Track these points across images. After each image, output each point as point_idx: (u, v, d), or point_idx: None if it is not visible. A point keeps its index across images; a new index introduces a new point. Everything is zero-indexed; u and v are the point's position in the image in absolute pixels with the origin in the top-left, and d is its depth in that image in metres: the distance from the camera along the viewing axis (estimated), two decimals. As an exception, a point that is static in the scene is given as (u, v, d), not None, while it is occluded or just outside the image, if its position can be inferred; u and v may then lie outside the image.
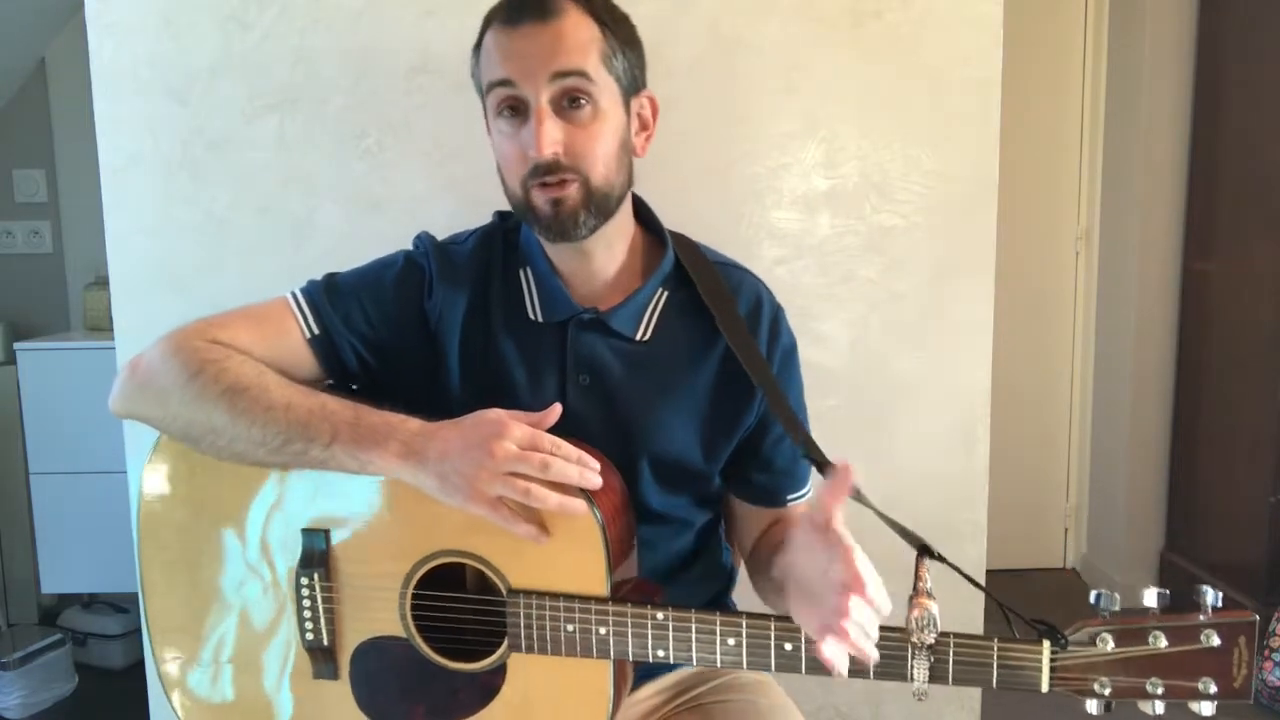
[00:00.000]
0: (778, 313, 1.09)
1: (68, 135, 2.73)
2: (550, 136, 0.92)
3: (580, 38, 0.93)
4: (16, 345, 2.47)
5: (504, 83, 0.93)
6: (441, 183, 1.46)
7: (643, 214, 1.08)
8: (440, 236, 1.11)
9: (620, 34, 0.97)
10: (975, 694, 1.62)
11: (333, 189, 1.46)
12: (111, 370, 1.42)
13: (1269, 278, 2.42)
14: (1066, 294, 3.09)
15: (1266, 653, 2.27)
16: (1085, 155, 3.02)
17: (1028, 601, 2.88)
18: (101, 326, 2.56)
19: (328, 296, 1.02)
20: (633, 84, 1.00)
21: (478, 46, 0.99)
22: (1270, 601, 2.31)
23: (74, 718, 2.29)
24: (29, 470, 2.48)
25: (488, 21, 0.98)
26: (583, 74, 0.93)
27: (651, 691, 1.10)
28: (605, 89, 0.95)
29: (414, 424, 0.89)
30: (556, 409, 0.89)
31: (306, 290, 1.03)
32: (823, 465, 0.98)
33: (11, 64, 2.65)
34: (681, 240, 1.09)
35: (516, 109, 0.94)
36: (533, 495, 0.84)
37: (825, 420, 1.53)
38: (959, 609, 1.48)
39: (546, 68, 0.92)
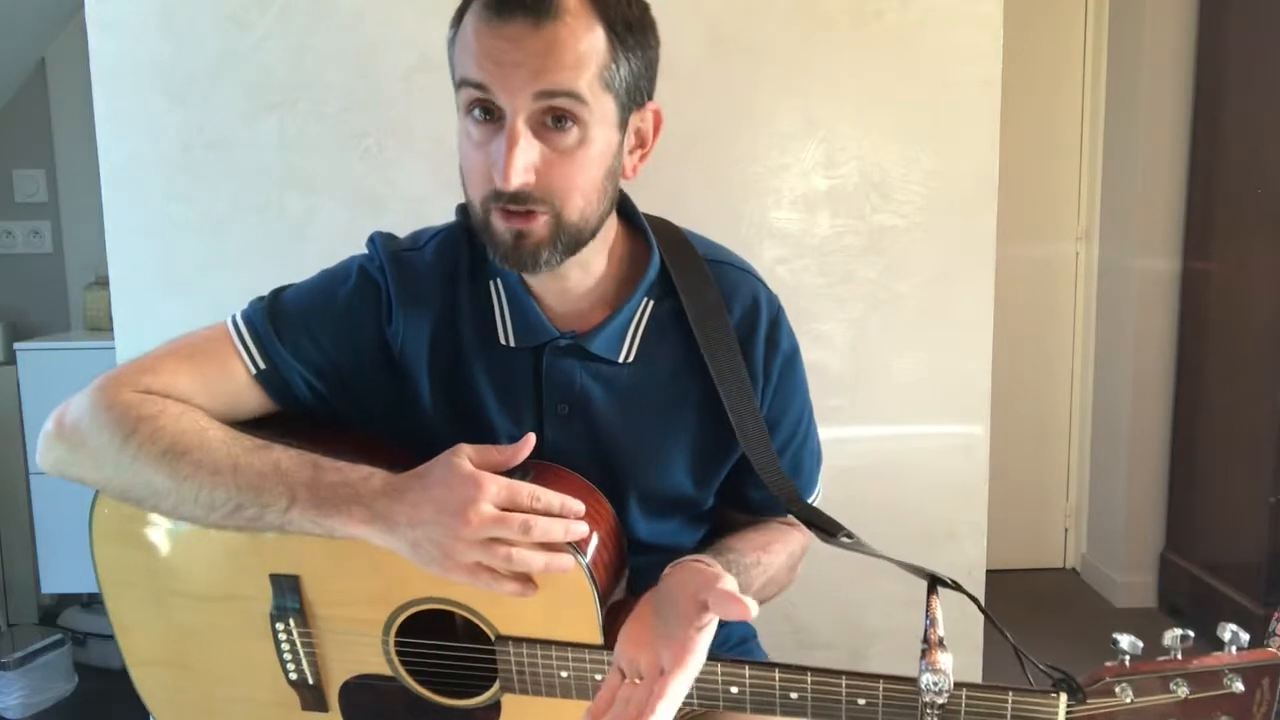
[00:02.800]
0: (777, 315, 0.98)
1: (68, 135, 2.72)
2: (521, 163, 0.79)
3: (577, 49, 0.79)
4: (16, 345, 2.47)
5: (478, 86, 0.79)
6: (441, 183, 1.46)
7: (625, 210, 0.97)
8: None
9: (630, 40, 0.83)
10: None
11: (333, 189, 1.46)
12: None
13: (1269, 278, 2.42)
14: (1066, 294, 3.09)
15: (1266, 653, 2.27)
16: (1085, 155, 3.01)
17: (1028, 602, 2.88)
18: (101, 326, 2.55)
19: (273, 324, 0.92)
20: (636, 98, 0.86)
21: (459, 19, 0.84)
22: (1270, 601, 2.30)
23: (74, 718, 2.29)
24: (29, 470, 2.48)
25: None
26: (573, 95, 0.79)
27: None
28: (598, 111, 0.81)
29: (377, 481, 0.82)
30: (530, 440, 0.83)
31: (249, 316, 0.93)
32: (811, 523, 0.93)
33: (11, 64, 2.65)
34: (669, 236, 0.98)
35: (490, 111, 0.81)
36: (515, 561, 0.79)
37: (826, 420, 1.52)
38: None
39: (531, 84, 0.78)
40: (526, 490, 0.80)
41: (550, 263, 0.85)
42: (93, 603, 2.56)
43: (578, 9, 0.79)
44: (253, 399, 0.92)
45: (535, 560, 0.79)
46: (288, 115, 1.45)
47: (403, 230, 1.09)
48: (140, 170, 1.45)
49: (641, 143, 0.91)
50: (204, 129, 1.45)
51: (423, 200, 1.46)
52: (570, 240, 0.85)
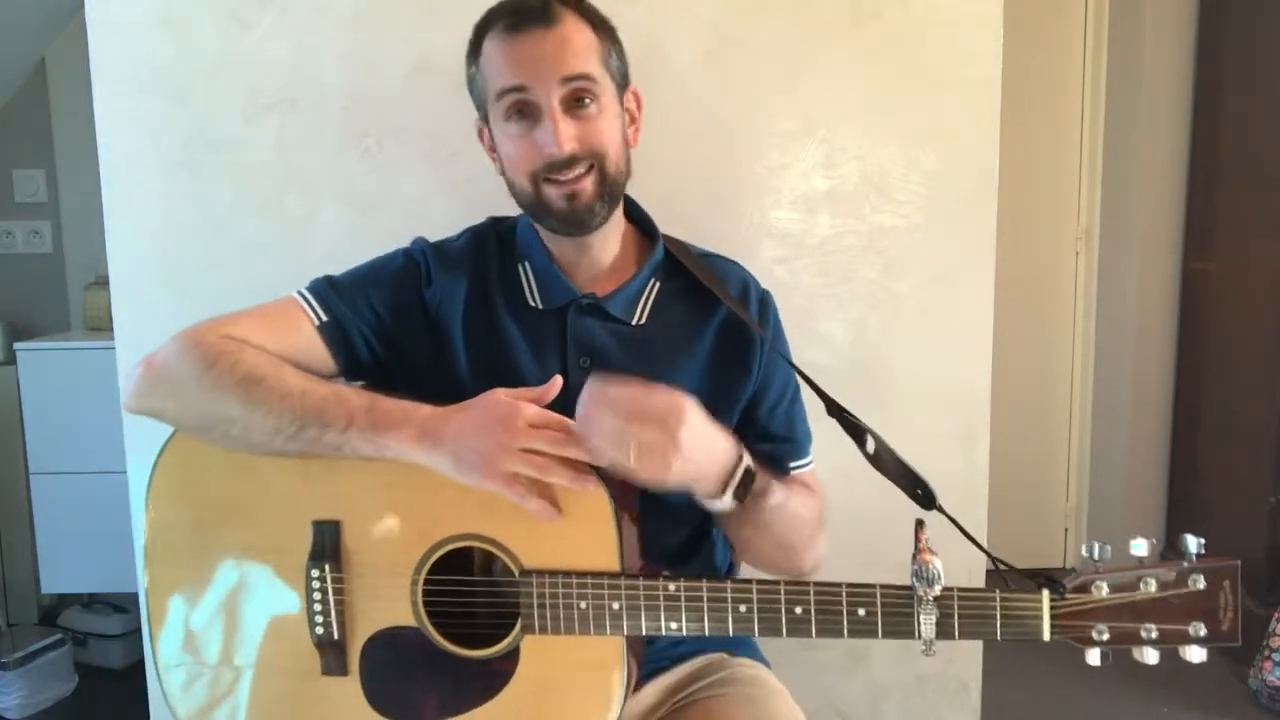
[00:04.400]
0: (765, 295, 1.14)
1: (68, 135, 2.73)
2: (567, 134, 0.97)
3: (581, 42, 0.99)
4: (16, 345, 2.47)
5: (516, 89, 0.98)
6: (441, 183, 1.46)
7: (631, 210, 1.13)
8: (439, 237, 1.13)
9: (610, 35, 1.04)
10: (975, 695, 1.62)
11: (333, 189, 1.46)
12: (111, 370, 1.42)
13: (1269, 278, 2.42)
14: (1066, 294, 3.09)
15: (1266, 652, 2.27)
16: (1085, 155, 3.02)
17: (1028, 601, 2.88)
18: (101, 326, 2.55)
19: (332, 289, 1.06)
20: (624, 80, 1.06)
21: (474, 54, 1.03)
22: (1270, 601, 2.31)
23: (74, 718, 2.29)
24: (29, 470, 2.48)
25: (483, 29, 1.02)
26: (588, 76, 0.99)
27: (652, 690, 1.10)
28: (605, 87, 1.01)
29: (426, 408, 0.92)
30: (557, 381, 0.91)
31: (311, 287, 1.07)
32: (841, 412, 1.02)
33: (11, 64, 2.65)
34: (668, 238, 1.14)
35: (524, 112, 0.99)
36: (549, 471, 0.87)
37: (825, 420, 1.53)
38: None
39: (556, 72, 0.97)
40: (558, 418, 0.89)
41: (600, 216, 1.02)
42: (93, 603, 2.56)
43: (571, 16, 1.00)
44: (318, 353, 1.03)
45: (565, 473, 0.87)
46: (288, 115, 1.45)
47: (403, 231, 1.11)
48: (140, 170, 1.45)
49: (633, 119, 1.09)
50: (204, 129, 1.45)
51: (423, 200, 1.46)
52: (611, 192, 1.02)
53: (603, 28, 1.03)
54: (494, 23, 1.00)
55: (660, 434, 0.85)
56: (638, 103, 1.10)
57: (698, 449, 0.87)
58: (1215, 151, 2.63)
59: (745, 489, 0.93)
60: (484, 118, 1.05)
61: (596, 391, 0.86)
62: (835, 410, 1.02)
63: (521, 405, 0.89)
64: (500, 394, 0.91)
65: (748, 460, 0.93)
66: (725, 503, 0.93)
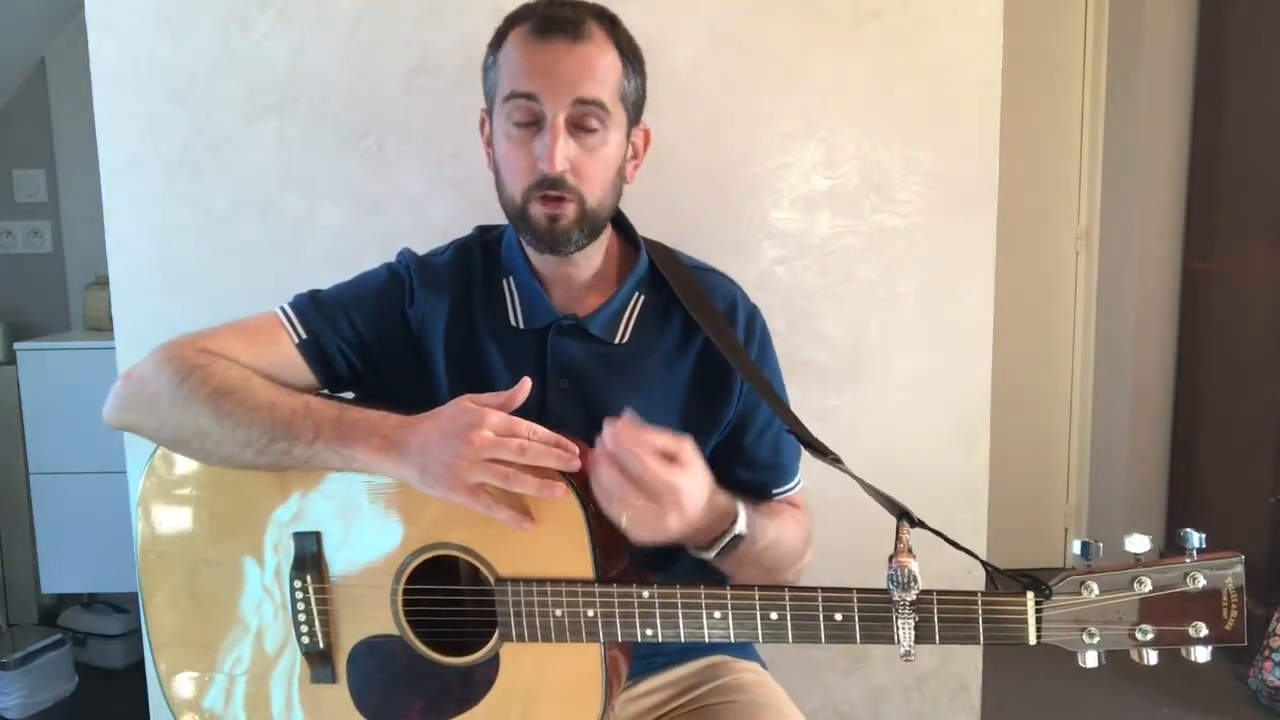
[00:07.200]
0: (754, 311, 1.12)
1: (68, 135, 2.72)
2: (564, 154, 0.96)
3: (603, 66, 0.97)
4: (16, 345, 2.47)
5: (527, 96, 0.96)
6: (441, 183, 1.46)
7: (618, 220, 1.11)
8: (440, 238, 1.13)
9: (635, 64, 1.02)
10: (975, 695, 1.62)
11: (333, 189, 1.46)
12: (111, 370, 1.42)
13: (1269, 278, 2.42)
14: (1066, 294, 3.08)
15: (1266, 652, 2.27)
16: (1085, 155, 3.01)
17: (1028, 601, 2.88)
18: (101, 326, 2.55)
19: (314, 306, 1.05)
20: (636, 115, 1.04)
21: (497, 45, 1.01)
22: (1270, 601, 2.31)
23: (74, 718, 2.29)
24: (29, 470, 2.48)
25: (511, 23, 1.00)
26: (601, 104, 0.97)
27: (651, 687, 1.10)
28: (615, 119, 0.99)
29: (394, 419, 0.91)
30: (526, 384, 0.90)
31: (293, 303, 1.06)
32: (810, 444, 1.00)
33: (11, 64, 2.65)
34: (657, 246, 1.12)
35: (529, 119, 0.97)
36: (512, 480, 0.85)
37: (826, 420, 1.53)
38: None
39: (571, 91, 0.95)
40: (525, 425, 0.87)
41: (578, 243, 1.01)
42: (93, 603, 2.56)
43: (601, 36, 0.98)
44: (297, 369, 1.03)
45: (531, 482, 0.86)
46: (288, 115, 1.45)
47: (403, 231, 1.10)
48: (140, 170, 1.45)
49: (635, 154, 1.07)
50: (204, 129, 1.45)
51: (422, 200, 1.46)
52: (591, 224, 1.00)
53: (631, 56, 1.01)
54: (523, 20, 0.98)
55: (653, 512, 0.85)
56: (645, 140, 1.08)
57: (688, 525, 0.88)
58: (1215, 151, 2.63)
59: (731, 548, 0.95)
60: (490, 110, 1.03)
61: (610, 436, 0.85)
62: (808, 445, 1.00)
63: (486, 413, 0.86)
64: (467, 401, 0.89)
65: (740, 528, 0.94)
66: (707, 556, 0.95)
